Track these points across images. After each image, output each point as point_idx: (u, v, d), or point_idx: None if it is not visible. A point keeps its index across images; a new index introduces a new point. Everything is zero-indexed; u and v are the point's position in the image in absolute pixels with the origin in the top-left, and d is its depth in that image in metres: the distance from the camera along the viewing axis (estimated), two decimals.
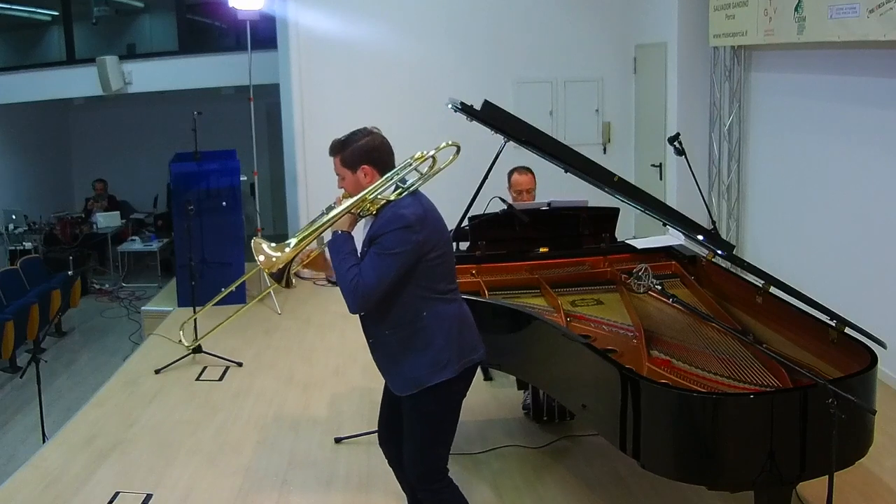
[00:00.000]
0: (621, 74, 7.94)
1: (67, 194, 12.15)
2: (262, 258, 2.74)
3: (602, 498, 3.73)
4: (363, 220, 2.89)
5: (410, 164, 2.82)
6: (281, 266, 2.73)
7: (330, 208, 2.85)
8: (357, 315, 2.89)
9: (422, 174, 2.85)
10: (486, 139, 4.16)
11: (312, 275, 7.31)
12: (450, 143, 2.86)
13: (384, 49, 7.61)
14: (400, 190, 2.81)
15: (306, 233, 2.78)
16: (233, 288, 3.04)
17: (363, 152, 2.81)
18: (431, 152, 2.83)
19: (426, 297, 2.80)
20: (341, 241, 2.77)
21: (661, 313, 3.74)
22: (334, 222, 2.79)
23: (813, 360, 3.13)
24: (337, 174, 2.88)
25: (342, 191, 2.90)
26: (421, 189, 2.88)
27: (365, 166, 2.81)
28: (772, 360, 3.00)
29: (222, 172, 6.97)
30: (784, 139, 6.06)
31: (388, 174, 2.81)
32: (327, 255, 2.89)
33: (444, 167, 2.88)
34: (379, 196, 2.79)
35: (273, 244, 2.78)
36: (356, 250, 2.78)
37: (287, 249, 2.74)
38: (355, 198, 2.79)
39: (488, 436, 4.30)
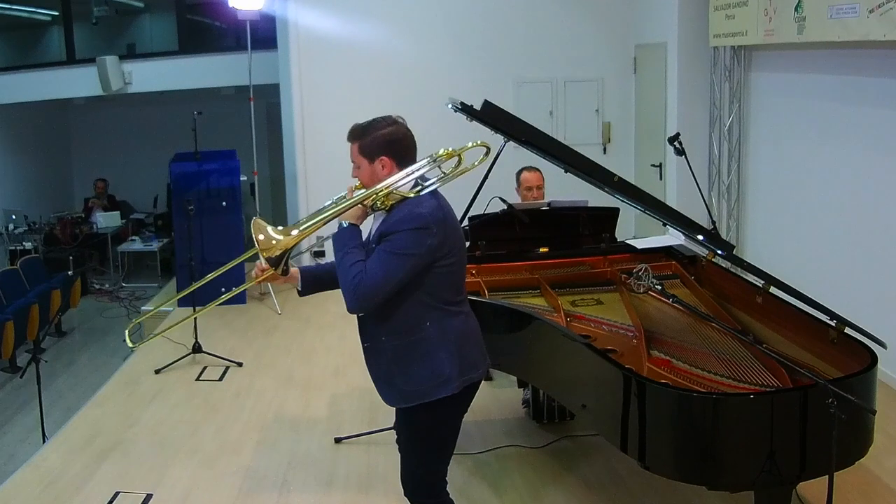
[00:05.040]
0: (621, 74, 7.93)
1: (67, 194, 12.15)
2: (261, 237, 2.54)
3: (602, 498, 3.72)
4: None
5: (434, 161, 2.63)
6: (279, 252, 2.54)
7: (341, 199, 2.64)
8: (356, 316, 2.74)
9: (445, 173, 2.66)
10: (486, 139, 4.14)
11: None
12: (478, 142, 2.70)
13: (384, 49, 7.61)
14: (419, 188, 2.61)
15: (313, 221, 2.59)
16: (237, 291, 3.00)
17: (384, 142, 2.60)
18: (458, 150, 2.64)
19: (431, 305, 2.62)
20: (348, 234, 2.58)
21: (661, 313, 3.74)
22: (343, 213, 2.60)
23: (813, 360, 3.13)
24: (353, 162, 2.67)
25: (353, 182, 2.69)
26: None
27: (384, 157, 2.60)
28: (772, 359, 3.00)
29: (222, 172, 6.98)
30: (784, 139, 6.05)
31: (409, 168, 2.60)
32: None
33: (470, 168, 2.71)
34: (395, 191, 2.59)
35: (278, 227, 2.57)
36: (363, 245, 2.60)
37: (293, 233, 2.55)
38: (369, 190, 2.59)
39: (488, 436, 4.30)
